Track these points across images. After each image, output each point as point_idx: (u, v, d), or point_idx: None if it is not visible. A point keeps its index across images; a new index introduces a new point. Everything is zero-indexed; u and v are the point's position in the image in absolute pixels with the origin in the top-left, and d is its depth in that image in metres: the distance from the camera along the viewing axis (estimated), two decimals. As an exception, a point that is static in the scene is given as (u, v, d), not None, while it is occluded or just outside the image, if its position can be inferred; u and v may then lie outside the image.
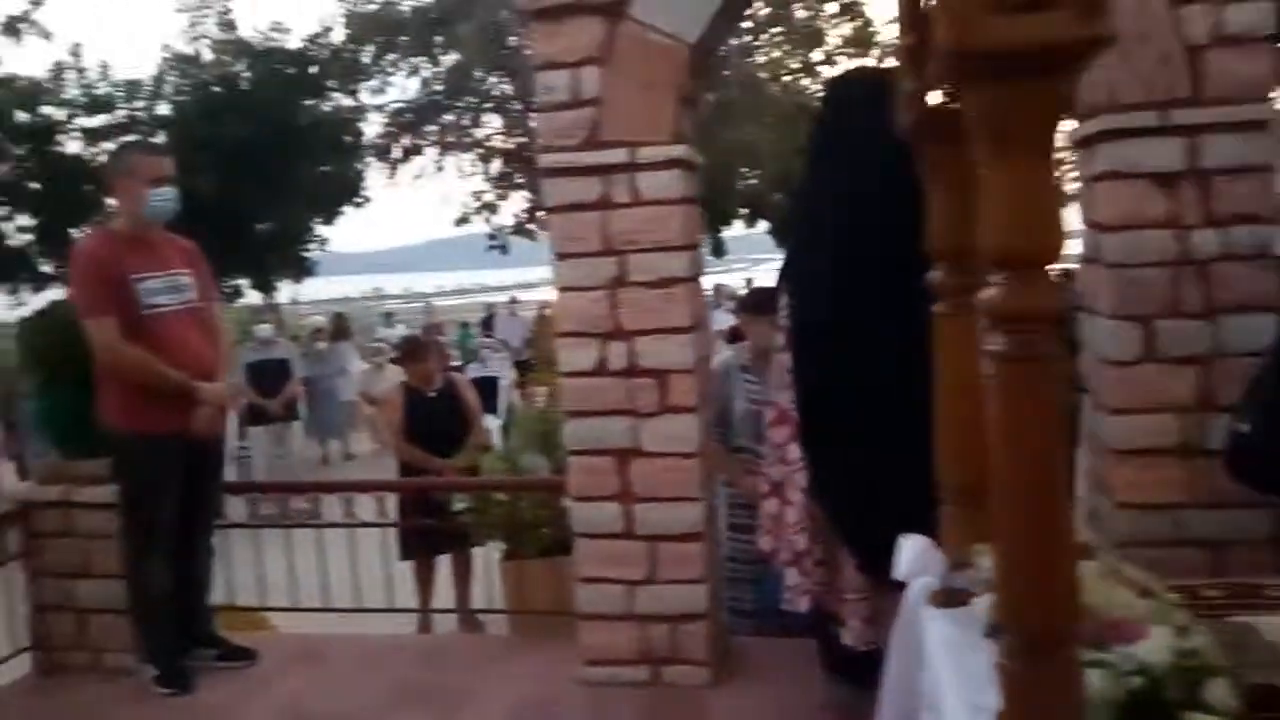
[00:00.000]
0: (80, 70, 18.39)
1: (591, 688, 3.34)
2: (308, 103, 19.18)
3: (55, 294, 12.46)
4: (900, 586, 1.97)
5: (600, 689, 3.33)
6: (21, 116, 17.36)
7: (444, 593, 5.63)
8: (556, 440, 4.73)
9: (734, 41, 15.44)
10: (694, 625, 3.29)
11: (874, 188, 2.65)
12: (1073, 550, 1.05)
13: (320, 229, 21.33)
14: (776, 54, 18.02)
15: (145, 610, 3.62)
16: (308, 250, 21.43)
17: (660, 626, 3.31)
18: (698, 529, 3.26)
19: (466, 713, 3.35)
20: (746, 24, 16.12)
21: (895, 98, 1.84)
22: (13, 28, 17.87)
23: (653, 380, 3.25)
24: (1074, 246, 2.77)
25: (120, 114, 18.38)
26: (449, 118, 18.98)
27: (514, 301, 18.59)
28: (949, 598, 1.64)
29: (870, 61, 16.41)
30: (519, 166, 18.69)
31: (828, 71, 17.31)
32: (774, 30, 17.67)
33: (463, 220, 19.93)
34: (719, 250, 20.45)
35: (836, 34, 17.94)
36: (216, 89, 18.81)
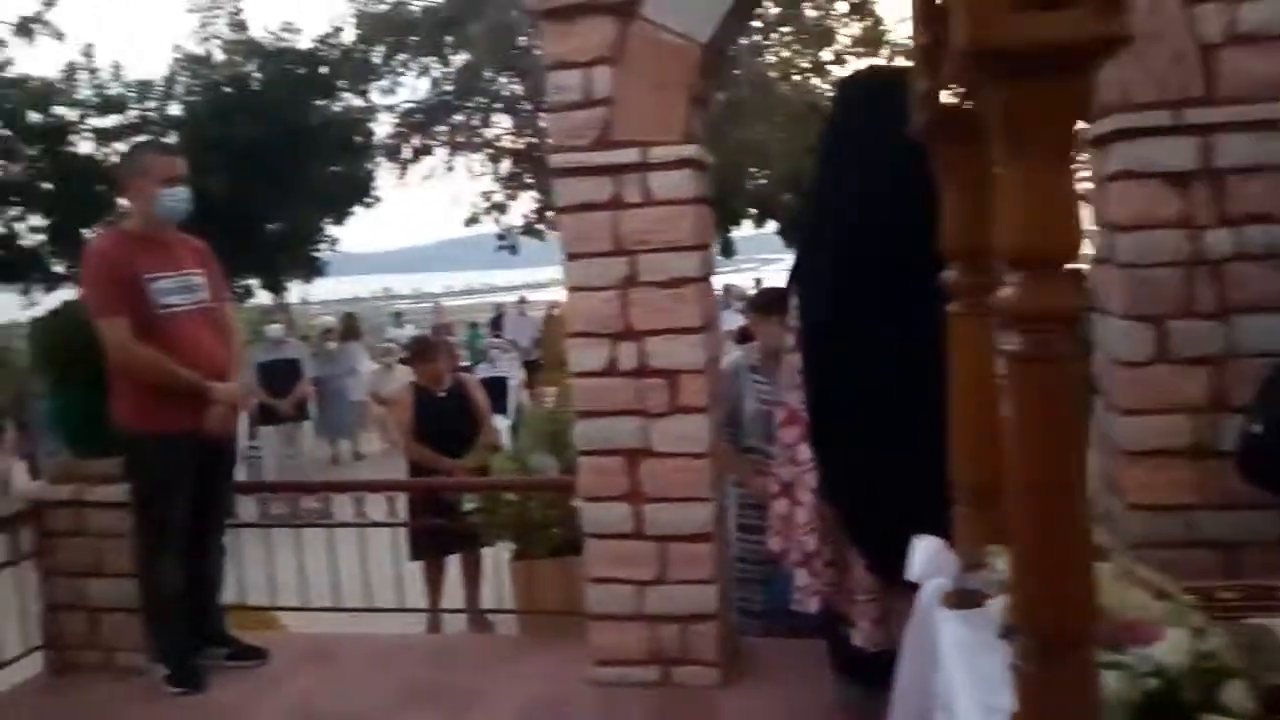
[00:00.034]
0: (92, 70, 18.48)
1: (601, 688, 3.34)
2: (318, 103, 19.24)
3: (67, 294, 12.52)
4: (910, 587, 1.96)
5: (610, 689, 3.33)
6: (34, 117, 17.44)
7: (453, 593, 5.64)
8: (566, 440, 4.74)
9: (744, 41, 15.42)
10: (704, 626, 3.29)
11: (883, 188, 2.65)
12: (1089, 551, 1.05)
13: (330, 229, 21.40)
14: (786, 53, 18.00)
15: (157, 609, 3.63)
16: (318, 250, 21.50)
17: (670, 627, 3.31)
18: (707, 529, 3.26)
19: (476, 713, 3.35)
20: (756, 23, 16.10)
21: (908, 97, 1.83)
22: (25, 28, 17.95)
23: (663, 380, 3.25)
24: (1086, 246, 2.76)
25: (132, 114, 18.46)
26: (459, 118, 19.01)
27: (523, 302, 18.60)
28: (963, 599, 1.63)
29: (881, 61, 16.37)
30: (528, 167, 18.71)
31: (838, 71, 17.28)
32: (784, 29, 17.65)
33: (472, 220, 19.97)
34: (728, 250, 20.44)
35: (847, 33, 17.91)
36: (227, 89, 18.88)
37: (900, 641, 2.27)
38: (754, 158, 17.17)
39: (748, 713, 3.17)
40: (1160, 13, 2.65)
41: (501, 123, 19.21)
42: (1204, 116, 2.66)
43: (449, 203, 20.83)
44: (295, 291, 24.42)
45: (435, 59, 18.61)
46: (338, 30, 19.39)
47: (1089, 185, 2.99)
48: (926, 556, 1.78)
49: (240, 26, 19.71)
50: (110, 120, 18.32)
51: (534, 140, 17.94)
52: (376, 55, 18.77)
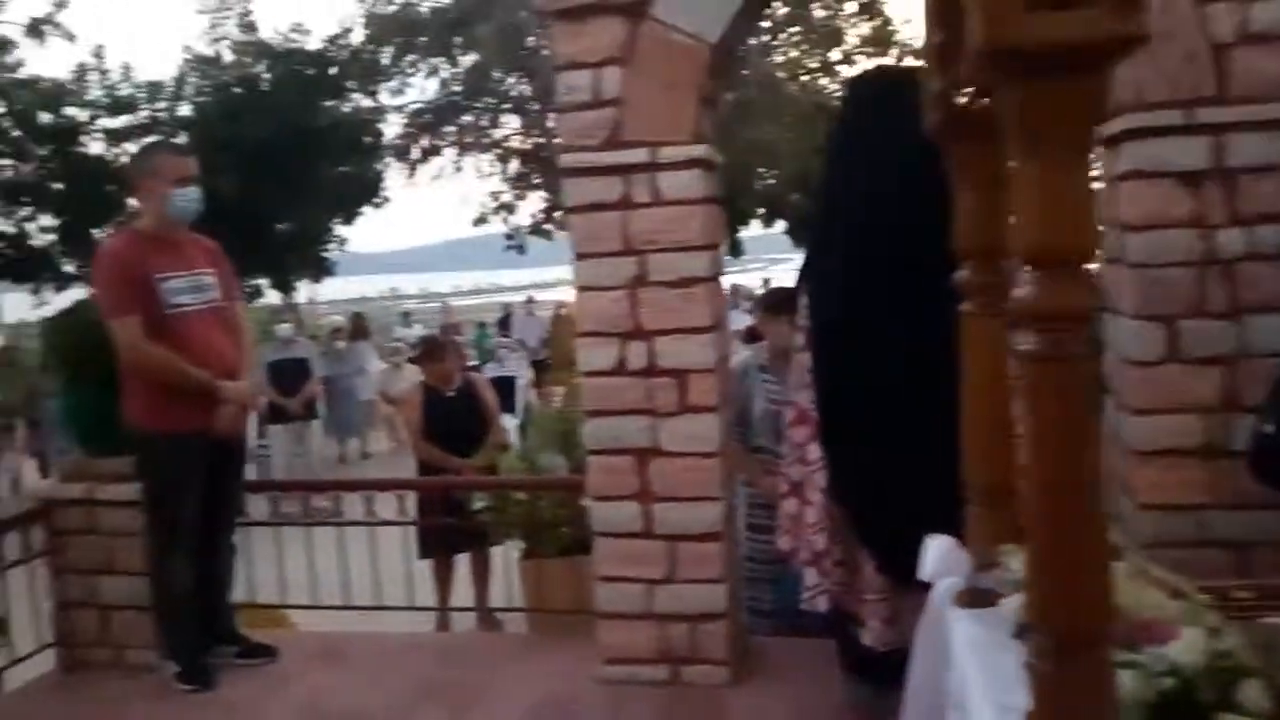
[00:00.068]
0: (103, 71, 18.55)
1: (610, 686, 3.35)
2: (327, 104, 19.27)
3: (78, 294, 12.58)
4: (920, 586, 1.96)
5: (619, 688, 3.33)
6: (45, 117, 17.52)
7: (461, 591, 5.65)
8: (575, 439, 4.75)
9: (752, 41, 15.42)
10: (713, 625, 3.29)
11: (891, 187, 2.66)
12: (1104, 550, 1.05)
13: (339, 229, 21.44)
14: (795, 53, 18.00)
15: (168, 607, 3.65)
16: (327, 250, 21.54)
17: (679, 626, 3.31)
18: (717, 529, 3.26)
19: (485, 711, 3.35)
20: (765, 23, 16.09)
21: (916, 97, 1.83)
22: (36, 29, 18.04)
23: (672, 380, 3.25)
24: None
25: (142, 115, 18.52)
26: (467, 118, 19.05)
27: (531, 301, 18.62)
28: (975, 598, 1.63)
29: (889, 61, 16.35)
30: (536, 167, 18.74)
31: (846, 71, 17.27)
32: (792, 29, 17.64)
33: (480, 220, 20.00)
34: (736, 250, 20.42)
35: (855, 33, 17.90)
36: (237, 90, 18.93)
37: (910, 641, 2.27)
38: (762, 157, 17.17)
39: (757, 712, 3.17)
40: (1172, 12, 2.64)
41: (510, 123, 19.26)
42: (1216, 116, 2.65)
43: (457, 203, 20.88)
44: (303, 291, 24.49)
45: (444, 59, 18.65)
46: (347, 31, 19.42)
47: (1099, 185, 2.99)
48: (939, 556, 1.78)
49: (250, 28, 19.76)
50: (120, 121, 18.39)
51: (542, 140, 17.97)
52: (385, 56, 18.81)
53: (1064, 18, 0.94)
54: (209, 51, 19.64)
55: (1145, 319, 2.70)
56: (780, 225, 20.50)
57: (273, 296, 21.16)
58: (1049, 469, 1.02)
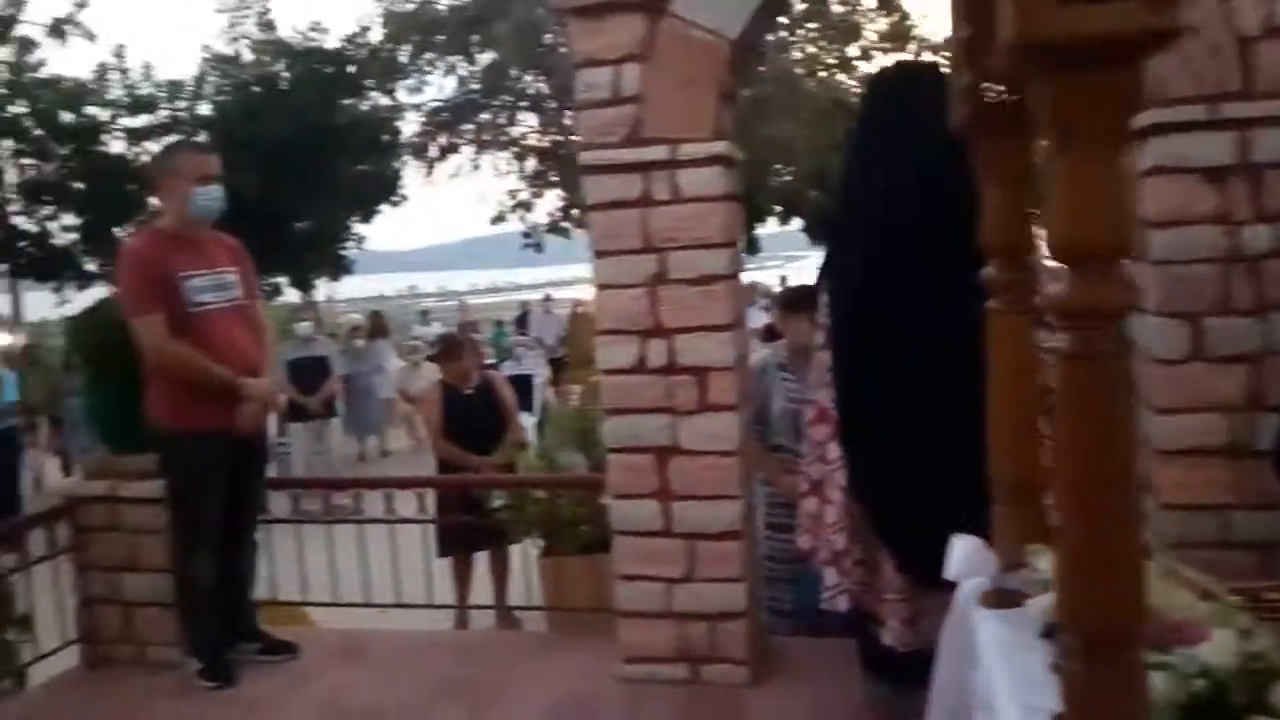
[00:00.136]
0: (123, 71, 18.71)
1: (630, 685, 3.35)
2: (346, 102, 19.36)
3: (100, 292, 12.68)
4: (941, 586, 1.95)
5: (639, 686, 3.33)
6: (66, 117, 17.68)
7: (480, 589, 5.66)
8: (594, 437, 4.74)
9: (770, 37, 15.38)
10: (733, 624, 3.29)
11: (910, 184, 2.65)
12: (1137, 550, 1.04)
13: (358, 227, 21.53)
14: (813, 49, 17.94)
15: (190, 604, 3.67)
16: (345, 248, 21.64)
17: (699, 625, 3.30)
18: (736, 527, 3.26)
19: (505, 708, 3.36)
20: (783, 19, 16.05)
21: (937, 93, 1.82)
22: (58, 29, 18.21)
23: (692, 378, 3.24)
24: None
25: (162, 114, 18.68)
26: (485, 116, 19.11)
27: (548, 299, 18.66)
28: (1001, 598, 1.62)
29: (908, 56, 16.27)
30: (554, 165, 18.77)
31: (864, 66, 17.20)
32: (810, 25, 17.59)
33: (498, 218, 20.06)
34: (753, 247, 20.39)
35: (873, 28, 17.84)
36: (256, 89, 19.05)
37: (930, 640, 2.26)
38: (779, 154, 17.14)
39: (776, 711, 3.17)
40: (1197, 5, 2.61)
41: (527, 121, 19.31)
42: (1241, 111, 2.62)
43: (475, 201, 20.93)
44: (322, 289, 24.61)
45: (462, 58, 18.71)
46: (365, 30, 19.51)
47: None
48: (965, 555, 1.76)
49: (268, 26, 19.87)
50: (141, 120, 18.54)
51: (559, 138, 18.00)
52: (403, 54, 18.89)
53: (1098, 11, 0.92)
54: (228, 50, 19.78)
55: (1169, 316, 2.67)
56: (797, 222, 20.45)
57: (292, 295, 21.27)
58: (1080, 467, 1.01)
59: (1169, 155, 2.66)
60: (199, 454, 3.55)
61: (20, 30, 18.00)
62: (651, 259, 3.23)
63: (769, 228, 21.37)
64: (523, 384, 9.42)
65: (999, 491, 1.73)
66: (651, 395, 3.27)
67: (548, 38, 16.82)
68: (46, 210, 18.34)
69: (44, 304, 20.35)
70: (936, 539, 1.99)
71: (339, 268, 21.98)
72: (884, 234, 2.70)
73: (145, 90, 18.66)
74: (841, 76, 18.00)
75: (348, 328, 14.34)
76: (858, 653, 3.05)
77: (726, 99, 3.25)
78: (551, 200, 19.82)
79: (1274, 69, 2.61)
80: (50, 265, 18.53)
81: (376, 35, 19.23)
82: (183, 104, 18.95)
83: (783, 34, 16.89)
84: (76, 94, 17.92)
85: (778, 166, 18.23)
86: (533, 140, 19.38)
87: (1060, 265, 1.03)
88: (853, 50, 17.87)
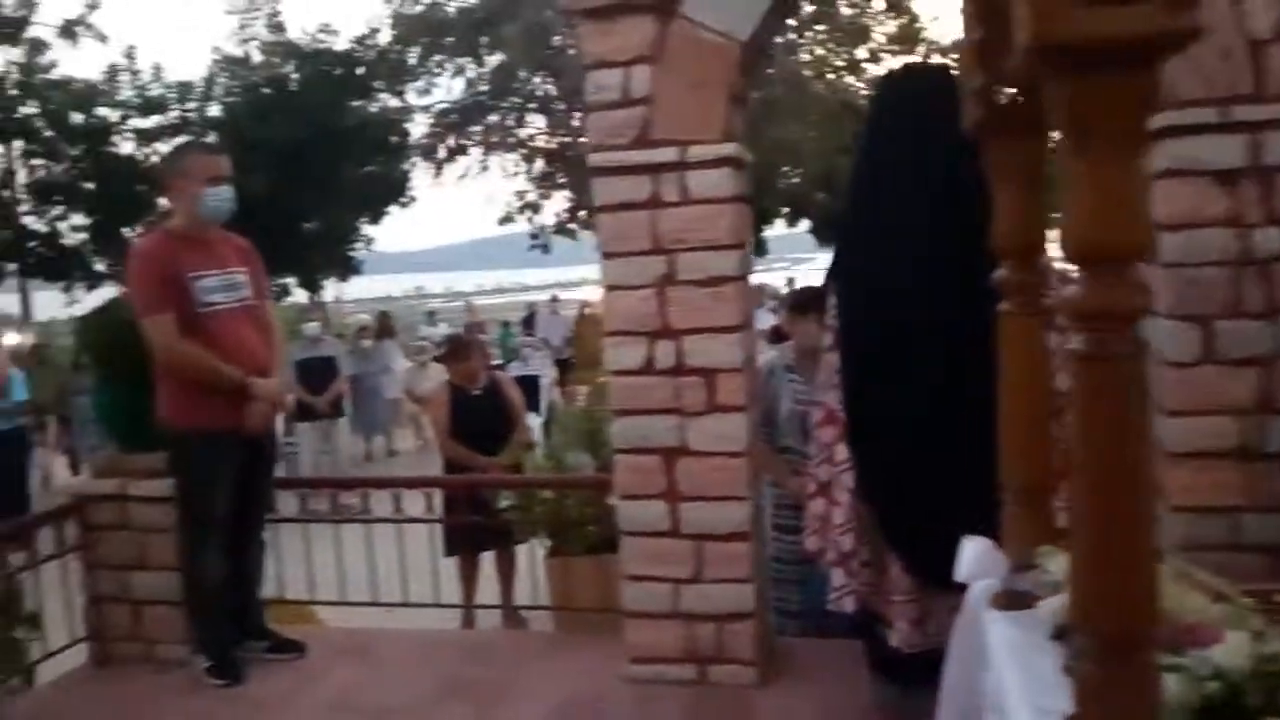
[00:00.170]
0: (134, 72, 18.81)
1: (637, 685, 3.35)
2: (355, 104, 19.44)
3: (109, 292, 12.73)
4: (949, 587, 1.95)
5: (646, 687, 3.33)
6: (77, 118, 17.78)
7: (487, 589, 5.66)
8: (601, 438, 4.74)
9: (779, 38, 15.38)
10: (740, 625, 3.28)
11: (918, 186, 2.65)
12: (1151, 552, 1.03)
13: (366, 228, 21.58)
14: (821, 51, 17.94)
15: (199, 602, 3.68)
16: (353, 249, 21.70)
17: (706, 625, 3.30)
18: (744, 528, 3.25)
19: (512, 708, 3.36)
20: (791, 21, 16.06)
21: (946, 96, 1.81)
22: (69, 31, 18.30)
23: (700, 379, 3.24)
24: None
25: (172, 115, 18.76)
26: (493, 118, 19.14)
27: (555, 300, 18.68)
28: (1012, 600, 1.61)
29: (917, 59, 16.25)
30: (561, 166, 18.79)
31: (873, 69, 17.20)
32: (819, 27, 17.58)
33: (506, 219, 20.10)
34: (760, 249, 20.42)
35: (882, 31, 17.82)
36: (266, 90, 19.12)
37: (937, 642, 2.25)
38: (787, 156, 17.14)
39: (784, 712, 3.16)
40: (1208, 8, 2.60)
41: (535, 123, 19.34)
42: (1252, 114, 2.61)
43: (483, 202, 20.98)
44: (330, 290, 24.68)
45: (470, 59, 18.75)
46: (374, 32, 19.59)
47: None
48: (975, 557, 1.76)
49: (278, 28, 19.95)
50: (151, 121, 18.63)
51: (567, 140, 18.03)
52: (412, 56, 18.94)
53: (1115, 13, 0.92)
54: (238, 52, 19.87)
55: (1180, 319, 2.67)
56: (805, 224, 20.45)
57: (300, 295, 21.32)
58: (1095, 468, 1.01)
59: (1180, 158, 2.65)
60: (208, 453, 3.57)
61: (32, 32, 18.09)
62: (660, 260, 3.23)
63: (776, 229, 21.39)
64: (529, 385, 9.41)
65: (1009, 493, 1.73)
66: (659, 396, 3.27)
67: (556, 40, 16.85)
68: (56, 210, 18.43)
69: (53, 303, 20.46)
70: (944, 540, 1.99)
71: (347, 268, 22.04)
72: (892, 236, 2.70)
73: (155, 91, 18.75)
74: (850, 79, 18.00)
75: (355, 328, 14.35)
76: (865, 654, 3.05)
77: (736, 101, 3.25)
78: (559, 202, 19.87)
79: (1285, 72, 2.60)
80: (60, 265, 18.62)
81: (385, 37, 19.30)
82: (192, 105, 19.04)
83: (791, 36, 16.89)
84: (87, 95, 18.01)
85: (785, 168, 18.23)
86: (541, 142, 19.41)
87: (1074, 267, 1.03)
88: (861, 53, 17.88)
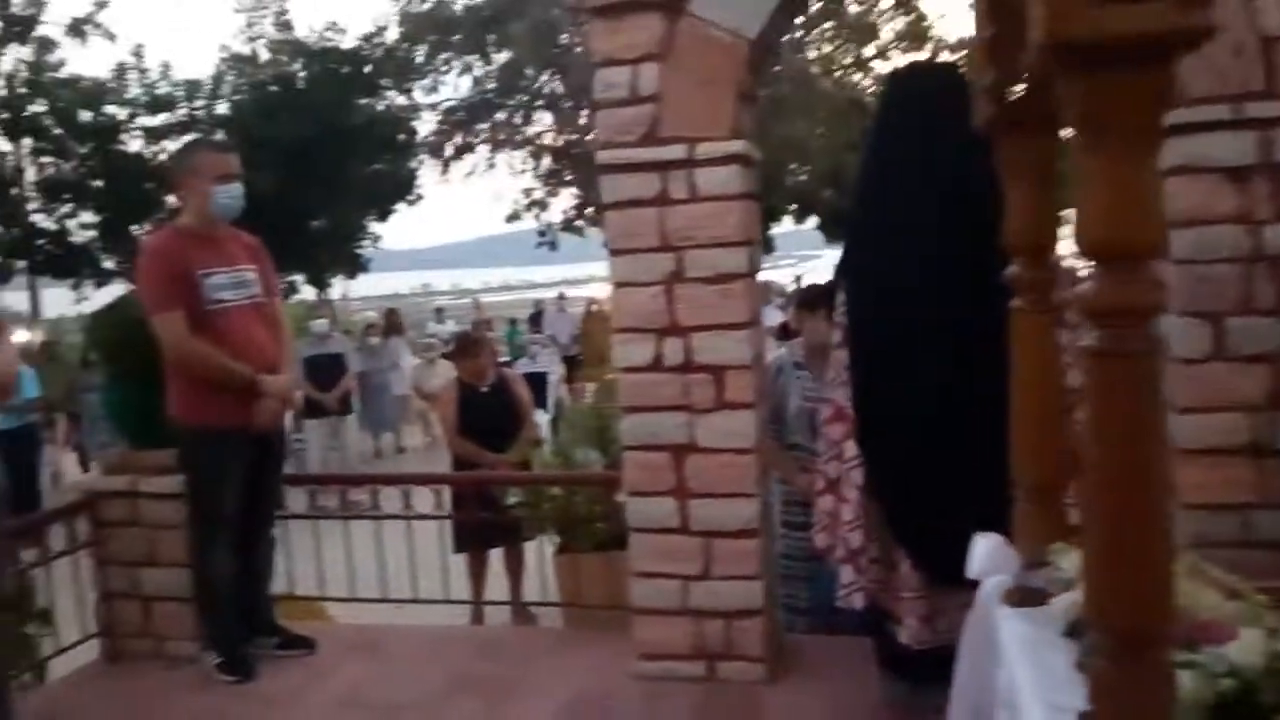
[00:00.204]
0: (142, 70, 18.84)
1: (646, 682, 3.35)
2: (362, 101, 19.44)
3: (117, 289, 12.77)
4: (958, 584, 1.94)
5: (655, 683, 3.33)
6: (85, 116, 17.82)
7: (496, 585, 5.67)
8: (609, 435, 4.75)
9: (786, 36, 15.37)
10: (749, 621, 3.29)
11: (927, 185, 2.65)
12: (1166, 548, 1.03)
13: (373, 226, 21.61)
14: (828, 49, 17.92)
15: (209, 599, 3.69)
16: (361, 247, 21.73)
17: (715, 622, 3.31)
18: (753, 525, 3.26)
19: (521, 704, 3.37)
20: (799, 18, 16.04)
21: (954, 94, 1.81)
22: (78, 29, 18.35)
23: (709, 376, 3.24)
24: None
25: (180, 113, 18.79)
26: (501, 115, 19.16)
27: (562, 298, 18.69)
28: (1024, 597, 1.61)
29: (924, 56, 16.23)
30: (569, 164, 18.80)
31: (880, 66, 17.17)
32: (827, 25, 17.56)
33: (513, 217, 20.11)
34: (767, 247, 20.37)
35: (889, 28, 17.79)
36: (273, 88, 19.15)
37: (947, 638, 2.25)
38: (794, 154, 17.12)
39: (793, 709, 3.17)
40: (1221, 5, 2.59)
41: (543, 120, 19.35)
42: (1264, 110, 2.60)
43: (490, 199, 21.00)
44: (338, 287, 24.72)
45: (477, 57, 18.77)
46: (381, 29, 19.58)
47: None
48: (987, 553, 1.76)
49: (286, 26, 19.97)
50: (159, 119, 18.67)
51: (574, 137, 18.03)
52: (419, 54, 18.96)
53: (1129, 11, 0.92)
54: (246, 50, 19.89)
55: (1191, 316, 2.66)
56: (812, 222, 20.43)
57: (308, 293, 21.36)
58: (1110, 465, 1.01)
59: (1191, 155, 2.65)
60: (217, 450, 3.58)
61: (40, 30, 18.14)
62: (668, 257, 3.23)
63: (784, 227, 21.36)
64: (537, 381, 9.43)
65: (1021, 490, 1.73)
66: (668, 393, 3.27)
67: (563, 37, 16.86)
68: (65, 208, 18.48)
69: (62, 301, 20.52)
70: (953, 537, 1.99)
71: (355, 266, 22.06)
72: (900, 234, 2.71)
73: (163, 89, 18.78)
74: (857, 76, 17.97)
75: (363, 325, 14.40)
76: (874, 650, 3.05)
77: (745, 98, 3.24)
78: (566, 199, 19.87)
79: (1298, 68, 2.59)
80: (69, 262, 18.67)
81: (393, 35, 19.31)
82: (200, 103, 19.07)
83: (799, 33, 16.87)
84: (95, 93, 18.06)
85: (793, 166, 18.21)
86: (548, 139, 19.42)
87: (1090, 264, 1.02)
88: (869, 50, 17.84)
